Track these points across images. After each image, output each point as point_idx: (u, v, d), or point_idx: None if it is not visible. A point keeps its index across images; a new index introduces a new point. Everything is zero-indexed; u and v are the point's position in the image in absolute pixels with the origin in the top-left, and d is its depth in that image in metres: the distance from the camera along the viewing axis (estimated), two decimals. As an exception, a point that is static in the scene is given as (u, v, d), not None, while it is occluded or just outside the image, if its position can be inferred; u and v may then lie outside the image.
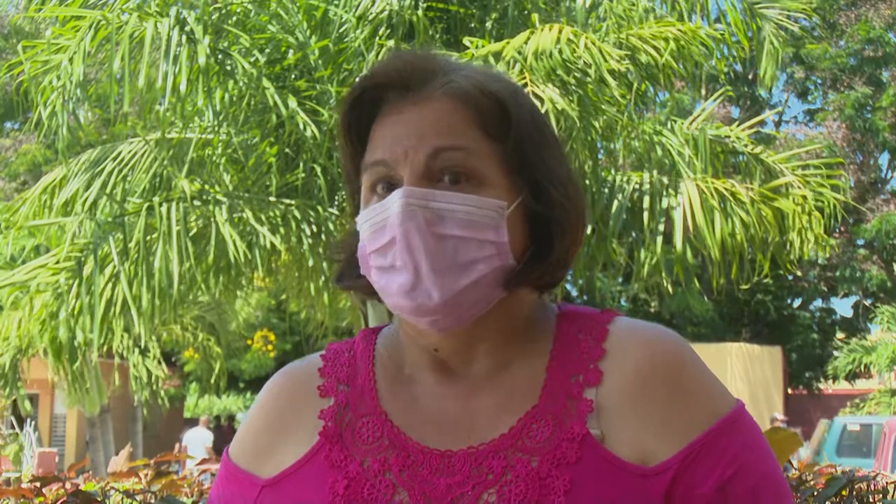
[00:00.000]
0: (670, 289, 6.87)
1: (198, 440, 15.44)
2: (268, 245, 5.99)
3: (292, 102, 5.79)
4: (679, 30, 5.99)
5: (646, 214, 6.37)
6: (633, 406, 0.98)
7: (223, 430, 26.75)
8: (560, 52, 5.36)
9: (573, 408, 0.99)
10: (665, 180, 6.49)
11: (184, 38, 5.62)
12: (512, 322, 1.04)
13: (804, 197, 6.62)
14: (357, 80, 1.05)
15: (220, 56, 6.03)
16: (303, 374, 1.11)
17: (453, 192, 0.98)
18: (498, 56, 5.47)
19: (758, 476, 0.98)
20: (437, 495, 0.97)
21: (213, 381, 16.93)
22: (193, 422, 27.24)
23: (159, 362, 16.03)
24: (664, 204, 6.36)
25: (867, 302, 25.01)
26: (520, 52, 5.48)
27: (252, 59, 6.06)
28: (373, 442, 1.02)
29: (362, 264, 1.03)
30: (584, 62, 5.42)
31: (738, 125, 7.55)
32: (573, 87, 5.58)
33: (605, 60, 5.35)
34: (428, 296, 0.96)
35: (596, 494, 0.94)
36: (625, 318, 1.06)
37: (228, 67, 6.05)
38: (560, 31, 5.50)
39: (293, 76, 6.39)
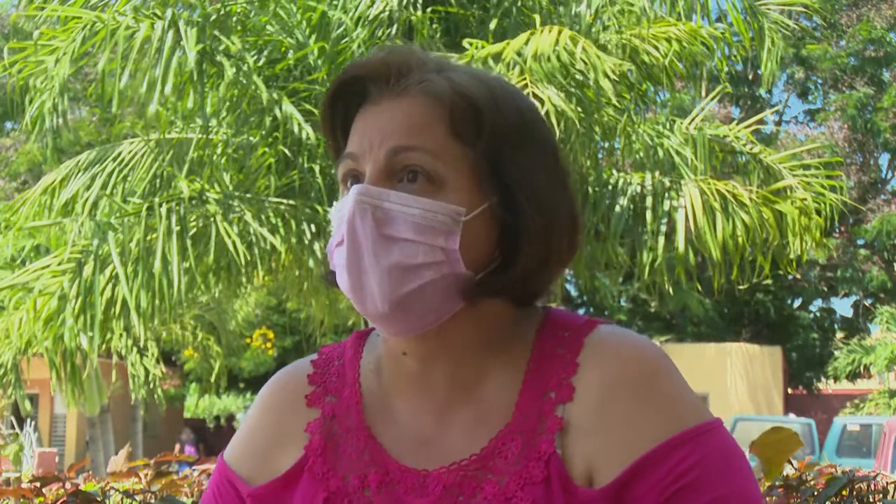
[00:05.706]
0: (671, 290, 6.86)
1: None
2: (267, 245, 5.99)
3: (287, 105, 5.79)
4: (680, 30, 5.99)
5: (648, 214, 6.37)
6: (596, 421, 0.93)
7: (223, 430, 26.77)
8: (558, 55, 5.36)
9: (543, 426, 0.94)
10: (667, 181, 6.49)
11: (178, 39, 5.62)
12: (483, 334, 0.99)
13: (804, 199, 6.62)
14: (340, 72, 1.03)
15: (216, 58, 6.03)
16: (292, 381, 1.09)
17: (409, 193, 0.94)
18: (497, 57, 5.47)
19: (712, 497, 0.89)
20: None
21: (213, 379, 16.93)
22: (193, 422, 27.28)
23: (158, 361, 16.02)
24: (666, 205, 6.36)
25: (867, 302, 25.01)
26: (519, 54, 5.47)
27: (250, 61, 6.05)
28: (355, 457, 1.00)
29: (330, 260, 1.00)
30: (584, 62, 5.42)
31: (737, 125, 7.54)
32: (573, 89, 5.58)
33: (602, 65, 5.36)
34: (372, 298, 0.93)
35: None
36: (606, 327, 1.00)
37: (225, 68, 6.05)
38: (559, 34, 5.50)
39: (293, 77, 6.39)
